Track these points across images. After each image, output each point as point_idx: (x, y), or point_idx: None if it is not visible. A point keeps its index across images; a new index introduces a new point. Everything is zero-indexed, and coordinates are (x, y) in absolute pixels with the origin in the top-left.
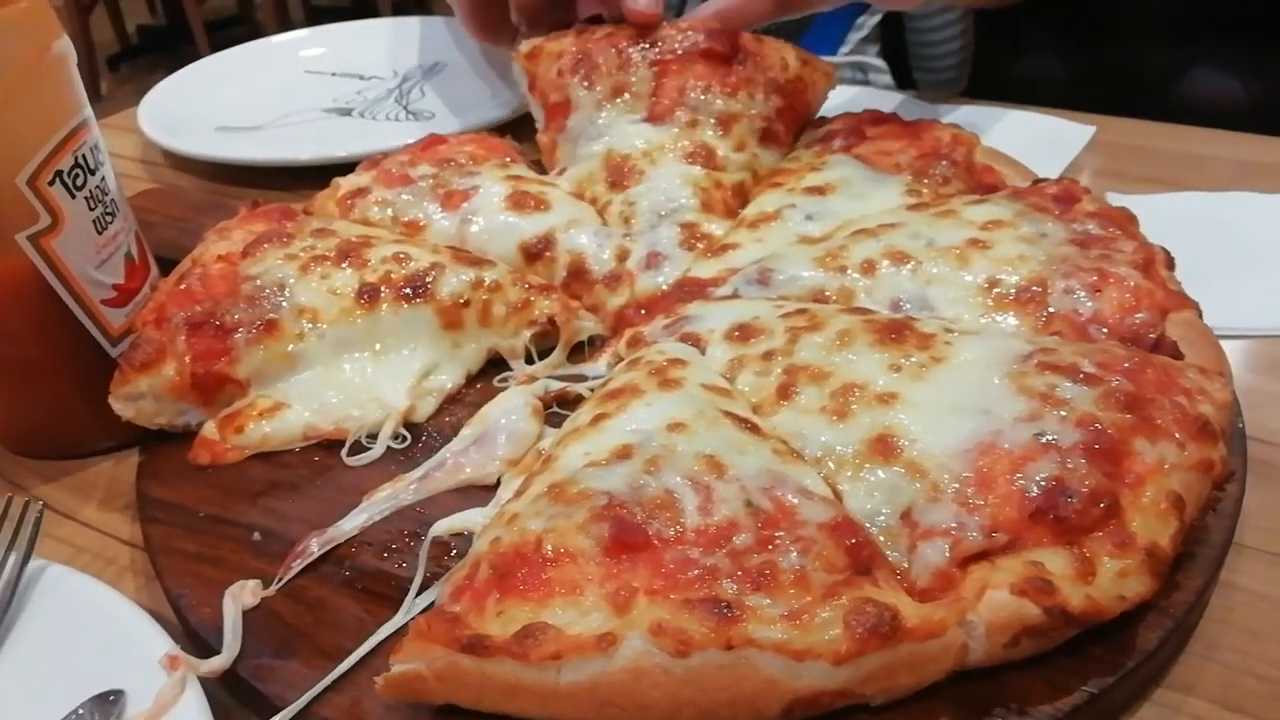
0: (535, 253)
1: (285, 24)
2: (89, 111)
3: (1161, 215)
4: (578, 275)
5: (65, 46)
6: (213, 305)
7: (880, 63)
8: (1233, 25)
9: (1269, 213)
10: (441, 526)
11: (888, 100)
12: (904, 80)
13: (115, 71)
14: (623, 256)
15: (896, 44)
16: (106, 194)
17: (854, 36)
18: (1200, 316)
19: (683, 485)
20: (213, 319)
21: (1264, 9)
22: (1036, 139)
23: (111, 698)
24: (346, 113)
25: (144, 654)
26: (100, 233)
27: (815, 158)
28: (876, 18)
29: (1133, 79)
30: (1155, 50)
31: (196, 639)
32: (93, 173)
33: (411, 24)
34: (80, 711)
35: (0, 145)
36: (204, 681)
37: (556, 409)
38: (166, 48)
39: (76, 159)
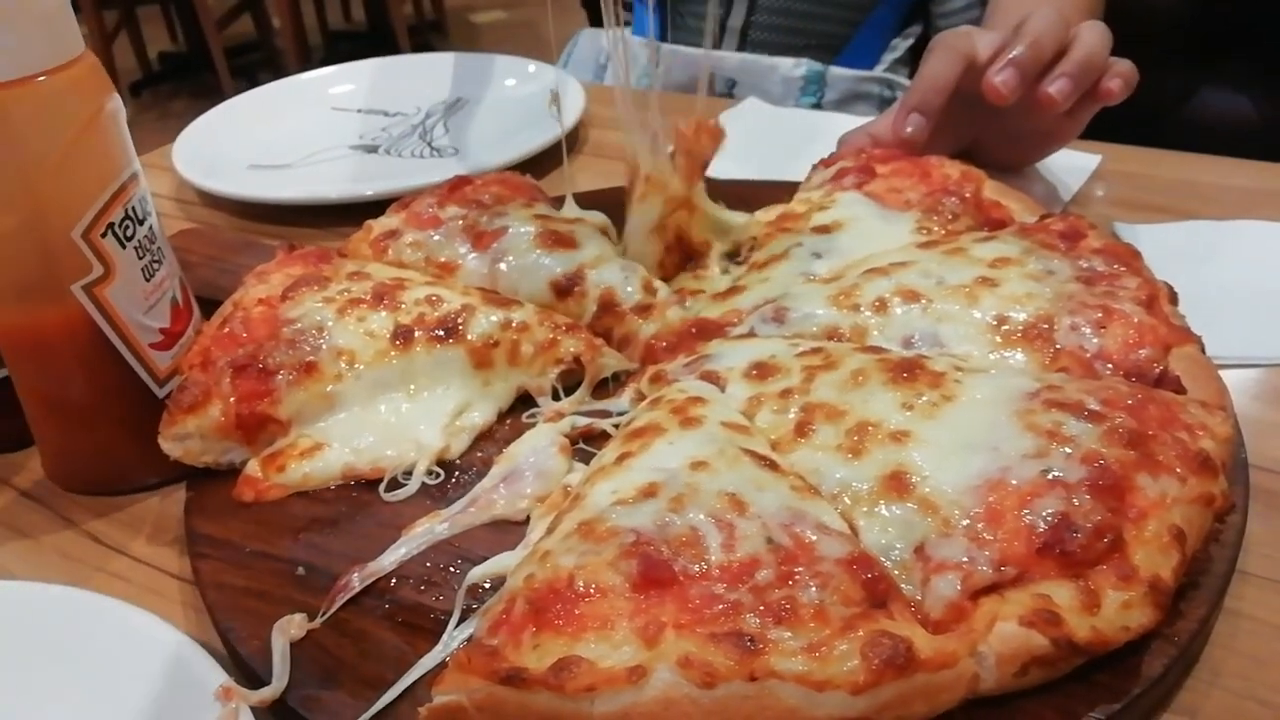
0: (566, 289)
1: (303, 49)
2: (138, 165)
3: (1168, 244)
4: (608, 308)
5: (116, 104)
6: (255, 348)
7: (908, 82)
8: (1244, 44)
9: (1275, 241)
10: (476, 574)
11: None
12: None
13: (137, 98)
14: (649, 288)
15: None
16: (154, 242)
17: (888, 57)
18: (1203, 351)
19: (706, 523)
20: (255, 361)
21: (1275, 27)
22: (1043, 168)
23: None
24: (373, 150)
25: (198, 685)
26: (148, 280)
27: (825, 197)
28: (909, 41)
29: (1144, 98)
30: (1166, 69)
31: (246, 670)
32: (141, 223)
33: (434, 60)
34: None
35: (58, 201)
36: (255, 711)
37: (583, 445)
38: (188, 74)
39: (127, 211)
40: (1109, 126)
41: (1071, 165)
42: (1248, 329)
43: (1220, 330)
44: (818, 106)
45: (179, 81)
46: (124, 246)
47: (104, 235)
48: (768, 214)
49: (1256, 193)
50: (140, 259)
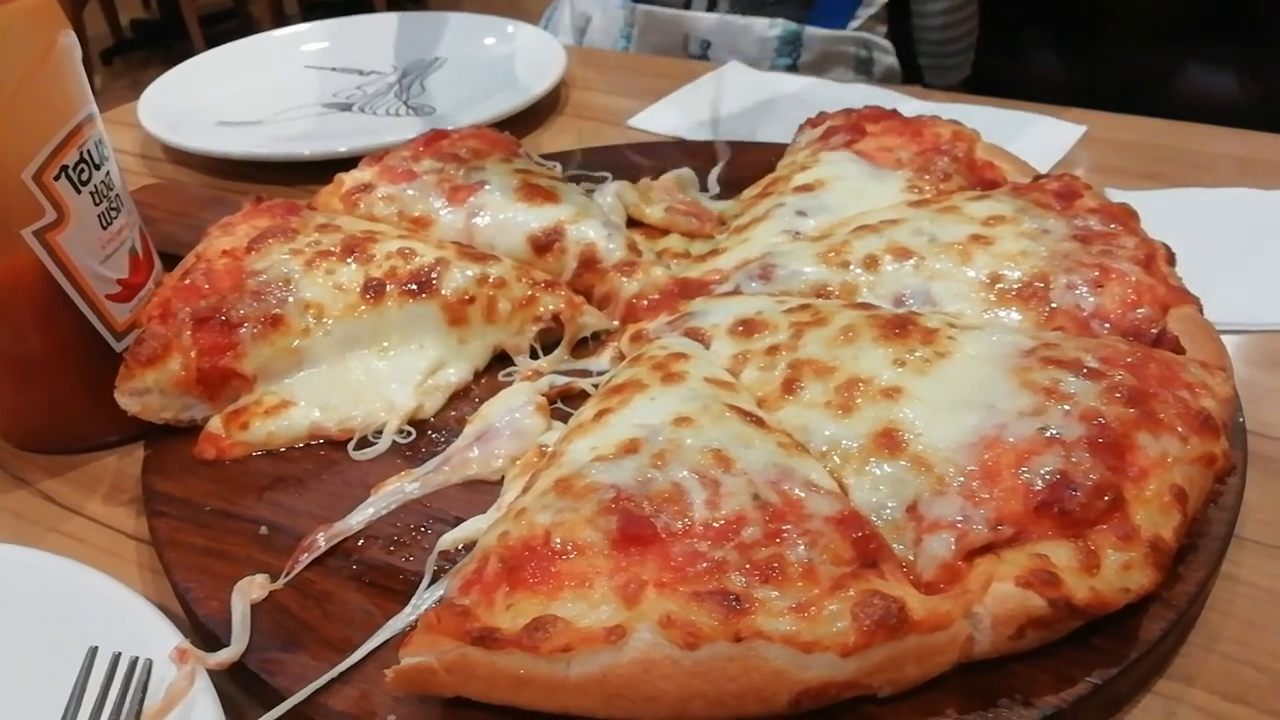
0: (544, 245)
1: (280, 17)
2: (94, 106)
3: (1161, 211)
4: (589, 265)
5: (70, 40)
6: (218, 300)
7: (885, 42)
8: (1230, 23)
9: (1268, 209)
10: (448, 539)
11: (879, 96)
12: (909, 68)
13: (109, 65)
14: (633, 248)
15: (903, 32)
16: (111, 189)
17: (863, 12)
18: (1201, 312)
19: (690, 479)
20: (218, 314)
21: (1261, 7)
22: (1027, 138)
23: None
24: (347, 108)
25: (153, 647)
26: (105, 228)
27: (809, 157)
28: None
29: (1130, 77)
30: (1152, 48)
31: (204, 632)
32: (98, 168)
33: (411, 19)
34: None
35: (7, 140)
36: (212, 674)
37: (561, 405)
38: (160, 42)
39: (82, 154)
40: (1096, 101)
41: (1055, 135)
42: (1241, 295)
43: (1214, 296)
44: (793, 68)
45: (152, 49)
46: (79, 191)
47: (57, 178)
48: (754, 190)
49: (1245, 161)
50: (96, 205)
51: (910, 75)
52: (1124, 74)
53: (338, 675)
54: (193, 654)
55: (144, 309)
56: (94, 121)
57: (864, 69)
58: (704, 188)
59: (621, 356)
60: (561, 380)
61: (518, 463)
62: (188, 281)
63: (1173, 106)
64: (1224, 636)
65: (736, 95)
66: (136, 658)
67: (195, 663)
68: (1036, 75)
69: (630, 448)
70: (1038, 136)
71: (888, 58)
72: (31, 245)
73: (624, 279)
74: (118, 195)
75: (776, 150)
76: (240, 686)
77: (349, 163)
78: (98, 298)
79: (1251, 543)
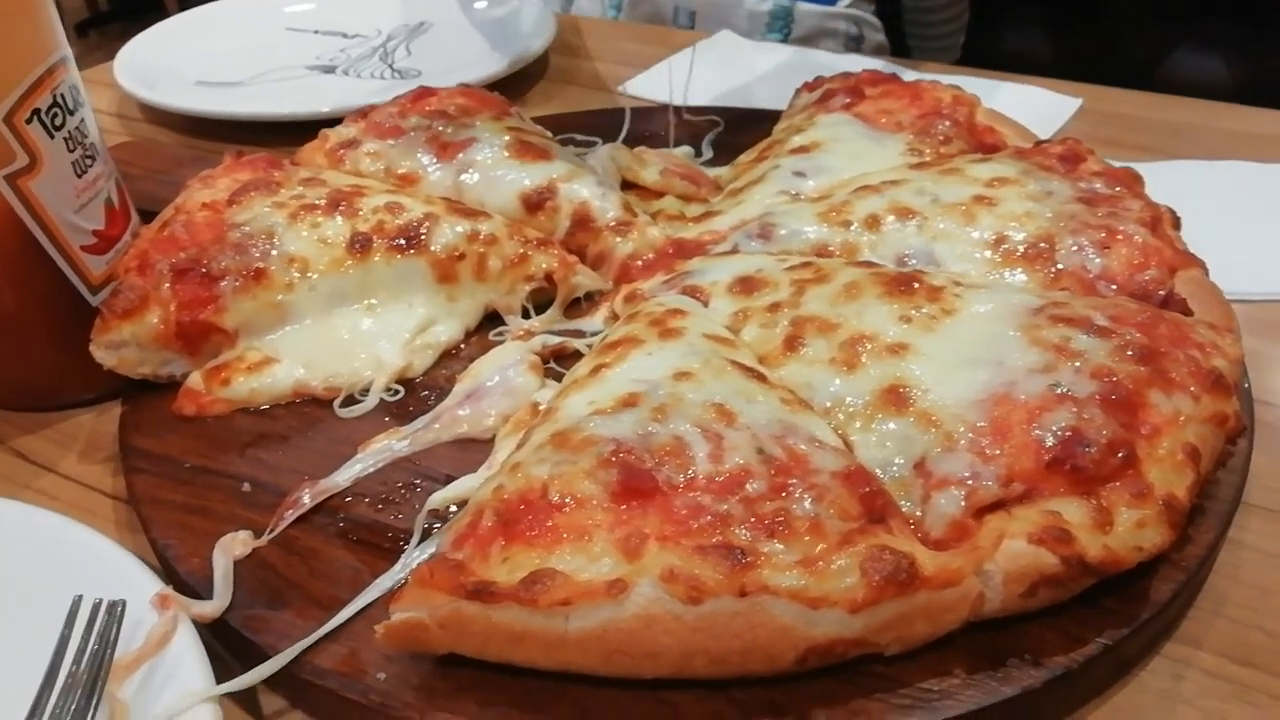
0: (536, 203)
1: None
2: (67, 50)
3: (1160, 183)
4: (583, 224)
5: None
6: (198, 252)
7: (875, 20)
8: (1218, 4)
9: (1265, 180)
10: (438, 498)
11: (876, 66)
12: (899, 49)
13: (84, 38)
14: (628, 208)
15: (893, 11)
16: (86, 136)
17: None
18: (1207, 275)
19: (692, 432)
20: (199, 266)
21: None
22: (1023, 110)
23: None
24: (330, 70)
25: (133, 597)
26: (80, 176)
27: (805, 120)
28: None
29: (1119, 57)
30: (1141, 29)
31: (185, 590)
32: (72, 113)
33: None
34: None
35: None
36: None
37: (553, 365)
38: (137, 14)
39: (55, 98)
40: (1085, 81)
41: (1051, 108)
42: (1242, 264)
43: (1215, 265)
44: (783, 43)
45: (129, 22)
46: (52, 136)
47: (29, 121)
48: (749, 155)
49: (1238, 135)
50: (70, 151)
51: (899, 55)
52: (1112, 54)
53: (325, 633)
54: (174, 599)
55: (121, 260)
56: (67, 65)
57: (854, 46)
58: (698, 153)
59: (615, 317)
60: (554, 340)
61: (510, 421)
62: (166, 233)
63: (1160, 87)
64: (1231, 600)
65: (729, 62)
66: (106, 600)
67: (178, 608)
68: (1026, 56)
69: (629, 401)
70: (1034, 109)
71: (878, 35)
72: (2, 191)
73: (618, 239)
74: (93, 144)
75: (772, 116)
76: (224, 646)
77: (331, 124)
78: (72, 248)
79: (1258, 508)
